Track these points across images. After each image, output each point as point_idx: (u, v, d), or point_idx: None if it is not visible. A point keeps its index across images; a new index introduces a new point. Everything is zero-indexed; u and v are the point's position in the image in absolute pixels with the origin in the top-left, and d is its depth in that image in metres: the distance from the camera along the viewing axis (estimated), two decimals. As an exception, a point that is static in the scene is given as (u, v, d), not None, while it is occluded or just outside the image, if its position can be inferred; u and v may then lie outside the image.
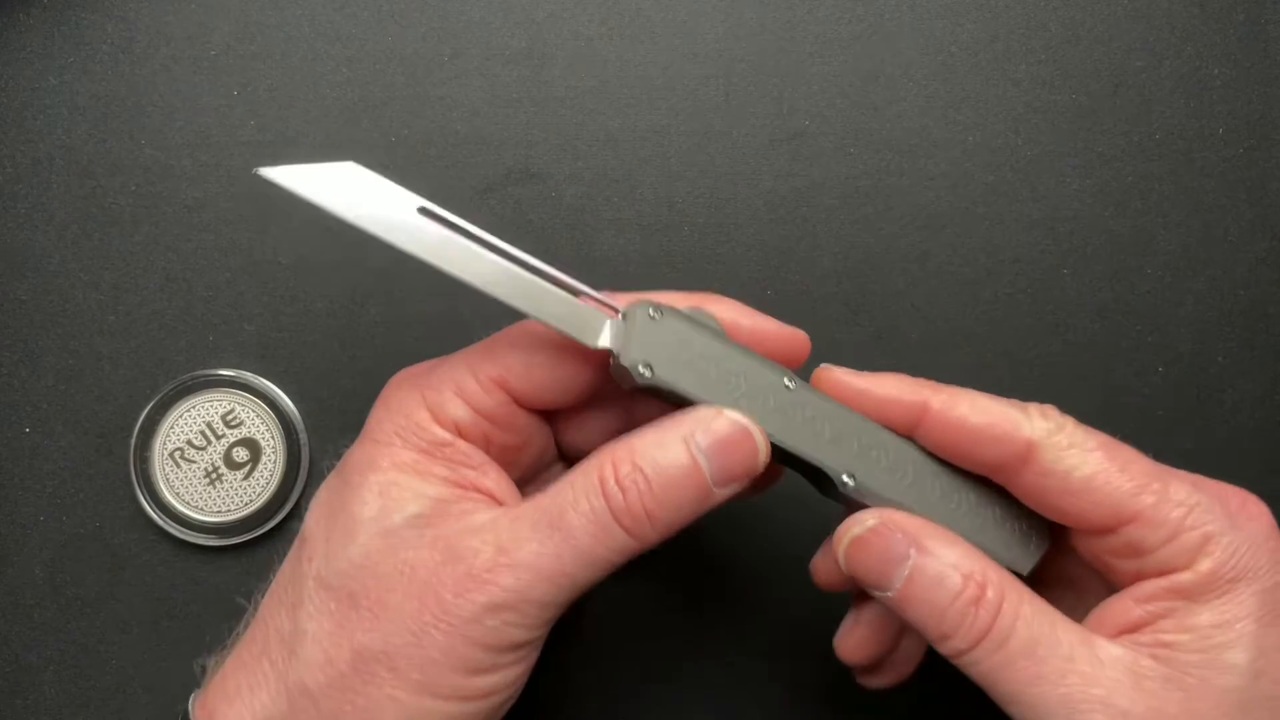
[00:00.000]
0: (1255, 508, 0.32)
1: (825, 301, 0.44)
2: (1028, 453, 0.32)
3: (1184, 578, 0.31)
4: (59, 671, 0.42)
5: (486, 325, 0.43)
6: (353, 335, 0.43)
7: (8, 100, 0.43)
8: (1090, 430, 0.33)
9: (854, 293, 0.44)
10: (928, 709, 0.43)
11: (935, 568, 0.32)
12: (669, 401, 0.32)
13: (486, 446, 0.33)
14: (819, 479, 0.34)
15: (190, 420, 0.42)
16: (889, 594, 0.32)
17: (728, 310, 0.34)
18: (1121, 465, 0.32)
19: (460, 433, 0.33)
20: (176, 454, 0.42)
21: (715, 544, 0.44)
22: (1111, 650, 0.31)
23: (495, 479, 0.33)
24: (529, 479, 0.36)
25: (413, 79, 0.44)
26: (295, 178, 0.30)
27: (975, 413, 0.33)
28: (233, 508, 0.42)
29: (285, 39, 0.44)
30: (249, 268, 0.43)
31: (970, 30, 0.45)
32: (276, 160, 0.43)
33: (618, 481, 0.31)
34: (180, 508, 0.42)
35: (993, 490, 0.34)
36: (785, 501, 0.40)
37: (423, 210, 0.31)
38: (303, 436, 0.43)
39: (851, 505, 0.34)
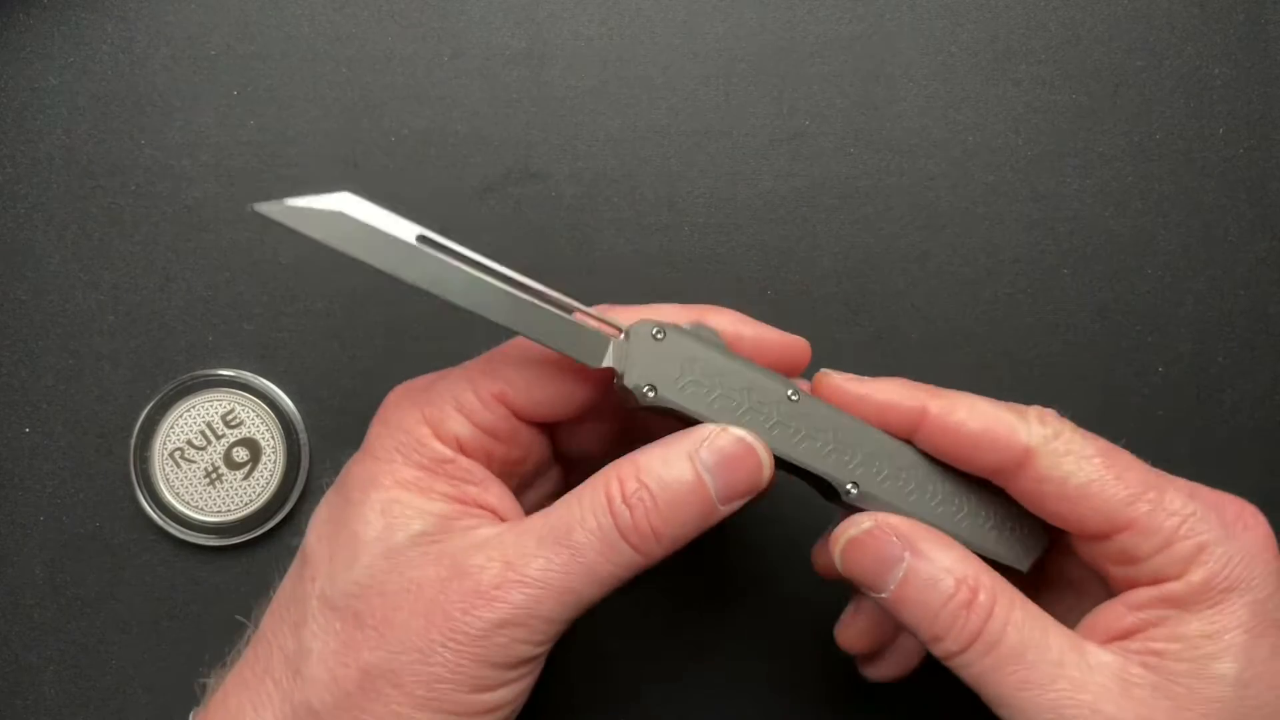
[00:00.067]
0: (1252, 518, 0.32)
1: (825, 301, 0.44)
2: (1025, 458, 0.33)
3: (1176, 587, 0.31)
4: (59, 671, 0.42)
5: (486, 325, 0.43)
6: (353, 335, 0.43)
7: (8, 100, 0.43)
8: (1089, 436, 0.33)
9: (854, 293, 0.44)
10: (929, 712, 0.43)
11: (929, 571, 0.32)
12: (675, 419, 0.33)
13: (488, 462, 0.34)
14: (823, 487, 0.34)
15: (190, 420, 0.42)
16: (884, 595, 0.32)
17: (728, 322, 0.34)
18: (1118, 473, 0.32)
19: (462, 449, 0.33)
20: (176, 454, 0.42)
21: (717, 543, 0.44)
22: (1101, 656, 0.31)
23: (497, 494, 0.33)
24: (526, 486, 0.36)
25: (413, 79, 0.44)
26: (291, 214, 0.30)
27: (973, 418, 0.33)
28: (233, 508, 0.42)
29: (285, 39, 0.44)
30: (249, 268, 0.43)
31: (970, 30, 0.45)
32: (276, 161, 0.43)
33: (624, 499, 0.31)
34: (180, 508, 0.42)
35: (994, 492, 0.34)
36: (789, 502, 0.40)
37: (421, 238, 0.31)
38: (303, 436, 0.43)
39: (855, 511, 0.34)
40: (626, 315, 0.33)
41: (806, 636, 0.43)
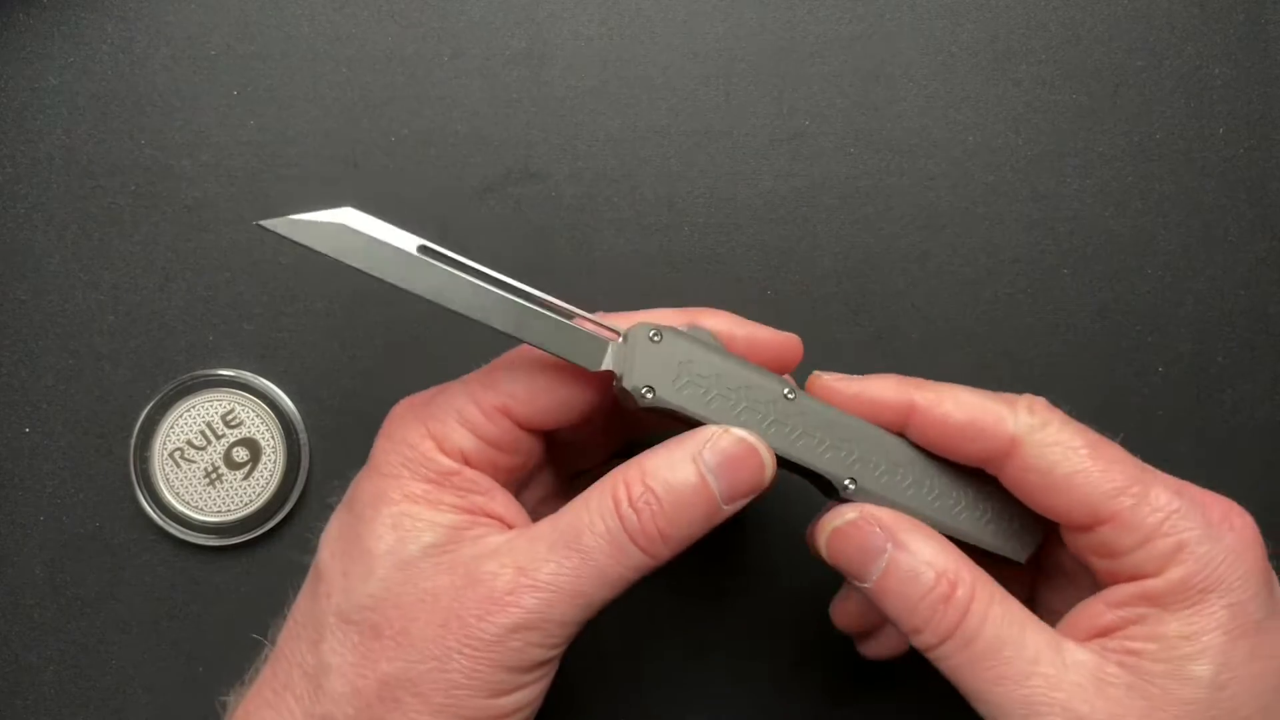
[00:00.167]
0: (1238, 519, 0.32)
1: (825, 301, 0.44)
2: (1011, 448, 0.33)
3: (1154, 584, 0.31)
4: (59, 671, 0.42)
5: (485, 328, 0.43)
6: (353, 335, 0.43)
7: (8, 100, 0.43)
8: (1078, 428, 0.33)
9: (854, 293, 0.44)
10: (930, 711, 0.43)
11: (909, 563, 0.32)
12: (674, 419, 0.33)
13: (493, 471, 0.34)
14: (822, 483, 0.34)
15: (190, 420, 0.42)
16: (866, 585, 0.33)
17: (722, 323, 0.35)
18: (1104, 465, 0.32)
19: (467, 461, 0.33)
20: (176, 454, 0.42)
21: (717, 539, 0.44)
22: (1078, 655, 0.31)
23: (503, 502, 0.34)
24: (522, 487, 0.37)
25: (413, 79, 0.44)
26: (296, 229, 0.31)
27: (958, 409, 0.33)
28: (233, 508, 0.42)
29: (285, 39, 0.44)
30: (249, 268, 0.43)
31: (970, 30, 0.45)
32: (276, 161, 0.43)
33: (630, 503, 0.32)
34: (180, 508, 0.42)
35: (992, 486, 0.35)
36: (788, 497, 0.40)
37: (423, 249, 0.32)
38: (303, 436, 0.43)
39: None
40: (624, 321, 0.34)
41: (809, 634, 0.43)
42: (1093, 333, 0.44)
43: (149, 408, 0.42)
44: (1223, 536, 0.31)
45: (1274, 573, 0.32)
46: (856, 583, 0.33)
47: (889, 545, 0.32)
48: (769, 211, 0.44)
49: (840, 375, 0.35)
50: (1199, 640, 0.31)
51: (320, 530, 0.35)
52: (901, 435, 0.35)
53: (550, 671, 0.33)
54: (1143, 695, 0.31)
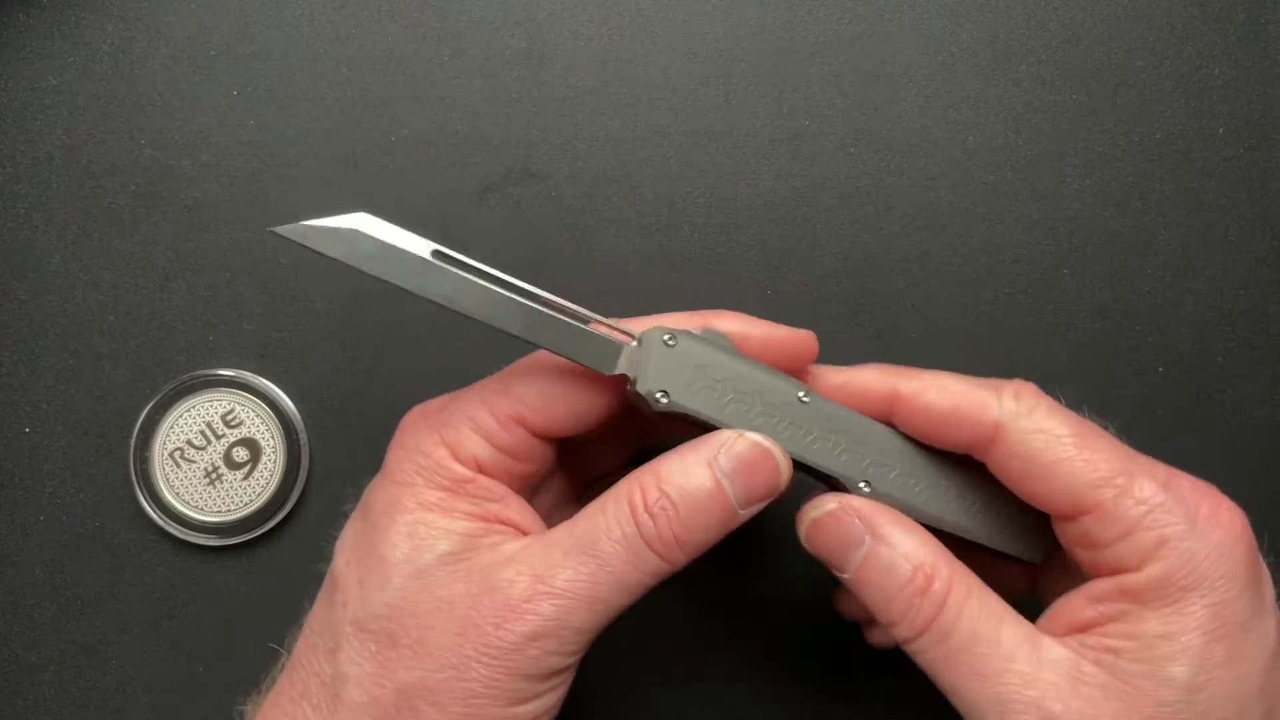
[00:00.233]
0: (1226, 515, 0.31)
1: (825, 301, 0.44)
2: (995, 434, 0.32)
3: (1135, 579, 0.31)
4: (59, 671, 0.42)
5: (487, 328, 0.42)
6: (353, 335, 0.43)
7: (8, 100, 0.43)
8: (1066, 416, 0.33)
9: (854, 293, 0.44)
10: (931, 711, 0.43)
11: (887, 555, 0.32)
12: (689, 424, 0.33)
13: (508, 480, 0.34)
14: (837, 486, 0.34)
15: (190, 420, 0.42)
16: (845, 576, 0.33)
17: (735, 324, 0.35)
18: (1089, 454, 0.32)
19: (481, 469, 0.33)
20: (176, 454, 0.42)
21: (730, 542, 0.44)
22: (1055, 651, 0.31)
23: (518, 509, 0.34)
24: (534, 491, 0.37)
25: (413, 79, 0.44)
26: (309, 235, 0.31)
27: (942, 397, 0.33)
28: (233, 508, 0.42)
29: (285, 39, 0.44)
30: (249, 268, 0.43)
31: (970, 30, 0.45)
32: (276, 161, 0.43)
33: (646, 508, 0.32)
34: (180, 508, 0.42)
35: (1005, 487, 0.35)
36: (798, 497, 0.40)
37: (436, 254, 0.32)
38: (303, 436, 0.43)
39: None
40: (637, 325, 0.34)
41: (812, 633, 0.43)
42: (1093, 333, 0.44)
43: (149, 408, 0.42)
44: (1208, 533, 0.31)
45: (1265, 569, 0.32)
46: (836, 573, 0.33)
47: (867, 538, 0.32)
48: (769, 211, 0.44)
49: (830, 367, 0.35)
50: (1178, 640, 0.30)
51: (334, 538, 0.35)
52: (889, 424, 0.35)
53: (567, 679, 0.32)
54: (1118, 696, 0.30)
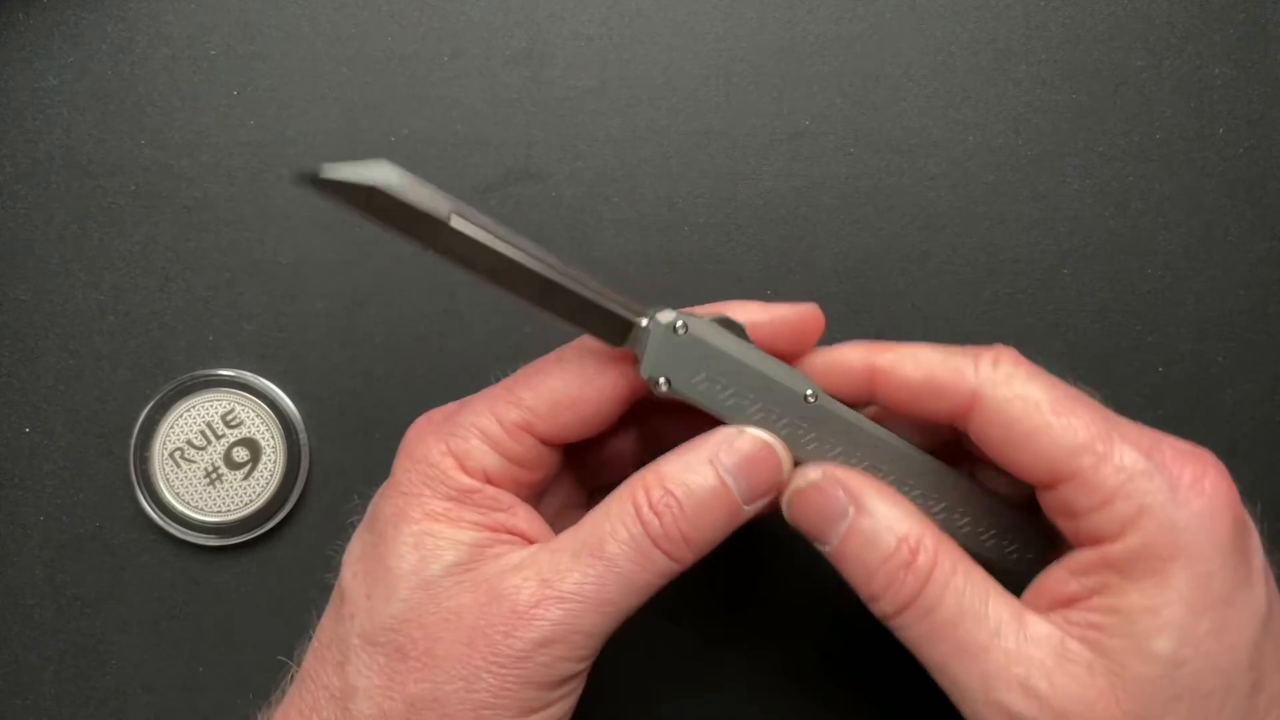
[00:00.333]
0: (1210, 482, 0.30)
1: (825, 301, 0.44)
2: (973, 402, 0.31)
3: (1114, 549, 0.29)
4: (59, 671, 0.42)
5: (486, 323, 0.43)
6: (353, 335, 0.43)
7: (8, 100, 0.43)
8: (1047, 382, 0.31)
9: (854, 293, 0.44)
10: (932, 711, 0.43)
11: (870, 527, 0.31)
12: (694, 411, 0.33)
13: (516, 488, 0.34)
14: None
15: (190, 420, 0.42)
16: (827, 549, 0.32)
17: (747, 313, 0.34)
18: (1067, 420, 0.30)
19: (488, 479, 0.33)
20: (176, 454, 0.42)
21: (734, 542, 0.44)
22: (1040, 628, 0.30)
23: (525, 518, 0.33)
24: (540, 496, 0.36)
25: (413, 79, 0.44)
26: (326, 182, 0.28)
27: (916, 368, 0.32)
28: (233, 508, 0.42)
29: (285, 39, 0.44)
30: (249, 268, 0.43)
31: (970, 30, 0.45)
32: (276, 161, 0.43)
33: (651, 507, 0.31)
34: (180, 508, 0.42)
35: (1009, 500, 0.34)
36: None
37: (456, 213, 0.30)
38: (303, 436, 0.43)
39: None
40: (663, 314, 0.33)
41: (817, 633, 0.43)
42: (1093, 333, 0.44)
43: (149, 408, 0.42)
44: (1190, 501, 0.29)
45: (1255, 538, 0.31)
46: (818, 545, 0.32)
47: (851, 509, 0.31)
48: (769, 211, 0.44)
49: (818, 350, 0.34)
50: (1160, 614, 0.29)
51: (338, 545, 0.35)
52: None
53: (578, 687, 0.32)
54: (1103, 673, 0.29)
